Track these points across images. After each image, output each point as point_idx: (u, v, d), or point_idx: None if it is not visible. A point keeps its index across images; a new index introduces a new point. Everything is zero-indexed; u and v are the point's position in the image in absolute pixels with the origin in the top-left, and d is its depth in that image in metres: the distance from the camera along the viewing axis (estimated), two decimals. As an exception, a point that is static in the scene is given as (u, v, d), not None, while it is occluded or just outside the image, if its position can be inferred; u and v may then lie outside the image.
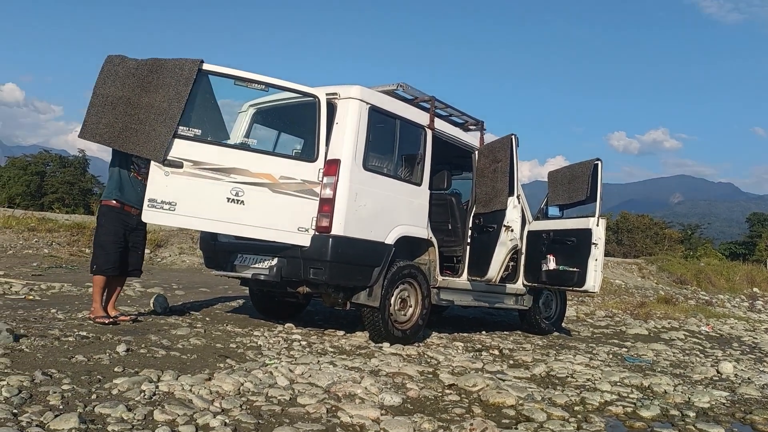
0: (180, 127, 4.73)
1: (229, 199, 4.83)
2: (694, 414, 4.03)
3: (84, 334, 4.53)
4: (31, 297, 6.37)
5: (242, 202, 4.86)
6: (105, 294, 5.22)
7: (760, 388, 5.04)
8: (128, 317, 5.32)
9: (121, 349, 4.11)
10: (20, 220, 12.57)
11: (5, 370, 3.35)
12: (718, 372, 5.65)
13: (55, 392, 3.05)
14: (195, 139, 4.79)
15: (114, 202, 5.15)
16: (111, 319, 5.06)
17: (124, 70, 4.74)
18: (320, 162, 5.13)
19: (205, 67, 4.85)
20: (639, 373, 5.23)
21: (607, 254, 25.98)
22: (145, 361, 3.96)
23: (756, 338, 9.08)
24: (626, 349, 6.85)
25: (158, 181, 4.71)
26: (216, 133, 5.11)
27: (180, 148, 4.73)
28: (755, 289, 20.41)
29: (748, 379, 5.45)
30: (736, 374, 5.62)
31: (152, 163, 4.72)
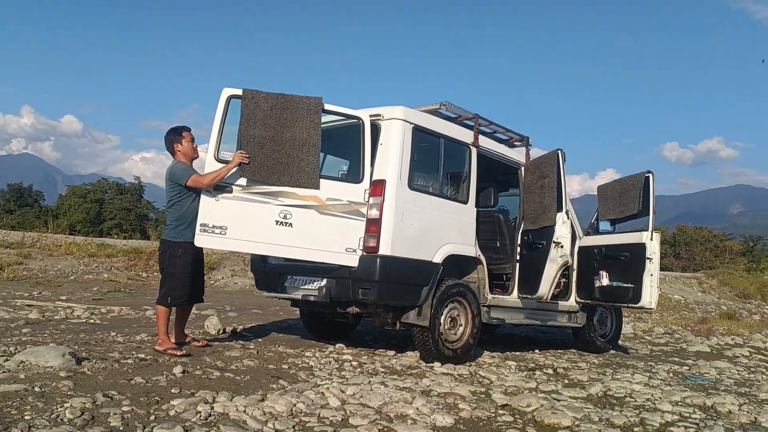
0: None
1: (277, 221, 4.92)
2: (763, 435, 3.84)
3: (142, 356, 4.66)
4: (92, 321, 6.61)
5: (290, 224, 4.95)
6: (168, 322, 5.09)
7: (834, 407, 4.76)
8: (201, 342, 5.39)
9: (177, 370, 4.21)
10: (81, 246, 13.08)
11: (68, 392, 3.48)
12: (787, 390, 5.37)
13: (115, 414, 3.15)
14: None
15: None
16: (182, 351, 4.89)
17: (261, 112, 4.90)
18: (366, 183, 5.18)
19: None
20: (702, 392, 5.03)
21: (664, 268, 25.30)
22: (201, 383, 4.04)
23: (829, 354, 8.60)
24: (687, 368, 6.60)
25: (209, 206, 4.84)
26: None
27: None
28: (826, 302, 19.37)
29: (821, 397, 5.16)
30: (807, 393, 5.33)
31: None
